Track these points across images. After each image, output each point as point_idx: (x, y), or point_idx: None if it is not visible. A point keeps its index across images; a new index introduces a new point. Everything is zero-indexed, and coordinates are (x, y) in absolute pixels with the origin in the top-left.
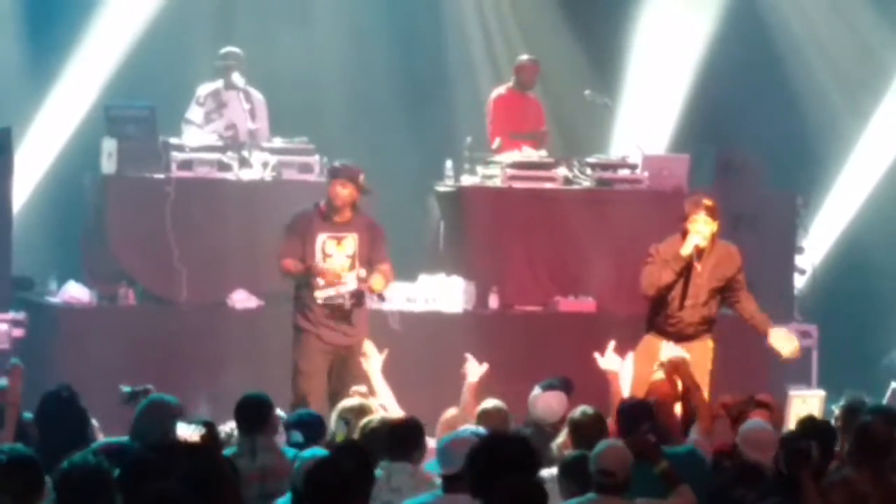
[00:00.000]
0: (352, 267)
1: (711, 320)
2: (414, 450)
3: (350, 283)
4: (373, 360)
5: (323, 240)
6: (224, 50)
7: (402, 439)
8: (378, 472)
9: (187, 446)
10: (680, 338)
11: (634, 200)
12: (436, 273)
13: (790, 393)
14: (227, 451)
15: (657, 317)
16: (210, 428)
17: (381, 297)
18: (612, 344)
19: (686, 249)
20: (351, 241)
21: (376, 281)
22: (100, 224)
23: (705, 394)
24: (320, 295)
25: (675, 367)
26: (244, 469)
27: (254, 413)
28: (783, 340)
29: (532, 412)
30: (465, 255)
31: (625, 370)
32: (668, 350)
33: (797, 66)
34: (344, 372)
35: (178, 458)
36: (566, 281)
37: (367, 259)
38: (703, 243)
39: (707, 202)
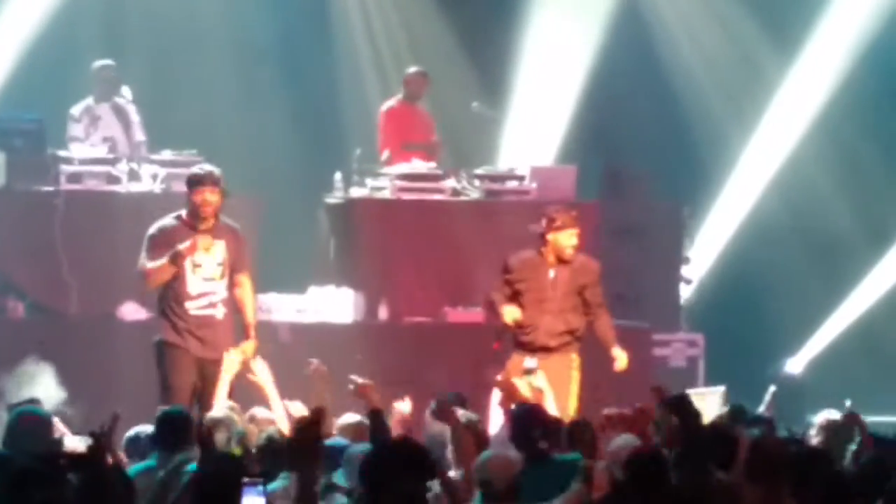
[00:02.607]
0: (222, 275)
1: (575, 331)
2: None
3: (220, 293)
4: (262, 375)
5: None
6: (98, 63)
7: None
8: (281, 482)
9: (74, 458)
10: (541, 349)
11: (522, 211)
12: (325, 285)
13: (688, 391)
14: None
15: (517, 331)
16: (97, 439)
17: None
18: None
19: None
20: (220, 249)
21: (248, 349)
22: None
23: (570, 409)
24: (191, 306)
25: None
26: None
27: None
28: (621, 356)
29: (429, 430)
30: (355, 267)
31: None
32: (530, 364)
33: (682, 78)
34: (212, 387)
35: (63, 469)
36: (455, 292)
37: (232, 267)
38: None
39: (572, 214)
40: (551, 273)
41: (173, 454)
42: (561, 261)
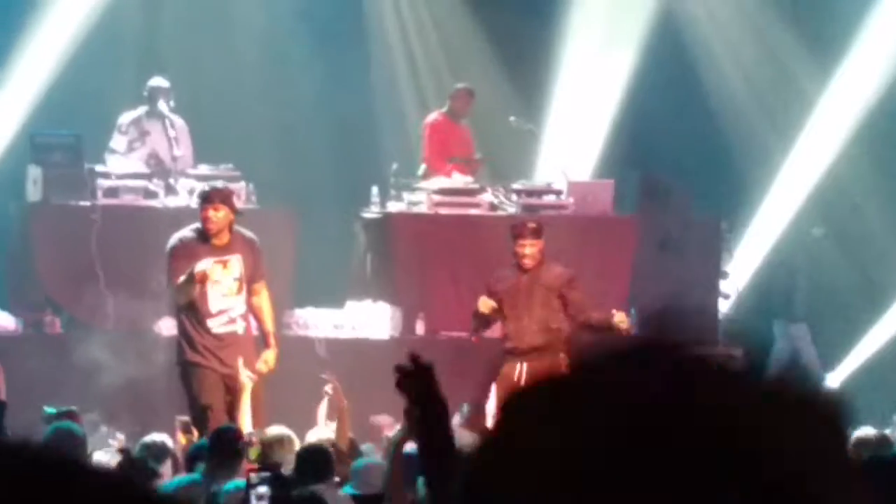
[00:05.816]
0: (239, 290)
1: (556, 330)
2: (325, 473)
3: (238, 308)
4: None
5: (208, 265)
6: (152, 81)
7: (310, 463)
8: None
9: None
10: (530, 351)
11: (560, 226)
12: (362, 299)
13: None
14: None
15: (503, 341)
16: (126, 454)
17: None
18: None
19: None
20: (236, 263)
21: (269, 359)
22: (25, 252)
23: None
24: (213, 324)
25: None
26: None
27: None
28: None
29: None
30: (392, 282)
31: (490, 403)
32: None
33: (721, 92)
34: (240, 403)
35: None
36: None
37: (249, 279)
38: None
39: (531, 225)
40: (523, 279)
41: (221, 470)
42: (522, 269)
